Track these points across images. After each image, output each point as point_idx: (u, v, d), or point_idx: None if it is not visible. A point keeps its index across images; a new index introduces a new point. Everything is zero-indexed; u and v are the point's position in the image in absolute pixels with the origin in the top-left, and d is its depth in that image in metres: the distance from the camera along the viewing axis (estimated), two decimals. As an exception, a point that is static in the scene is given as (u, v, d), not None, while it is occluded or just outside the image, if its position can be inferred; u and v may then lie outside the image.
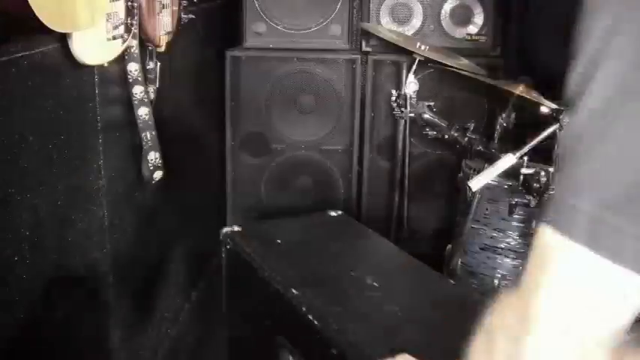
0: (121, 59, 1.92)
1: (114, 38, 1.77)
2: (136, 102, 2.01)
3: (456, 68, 2.47)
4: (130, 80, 1.98)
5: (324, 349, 1.44)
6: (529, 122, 2.16)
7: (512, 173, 1.61)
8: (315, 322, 1.48)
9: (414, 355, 1.17)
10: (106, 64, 1.78)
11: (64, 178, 1.68)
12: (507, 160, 1.57)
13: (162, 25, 2.11)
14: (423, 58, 2.51)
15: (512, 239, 2.26)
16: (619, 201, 0.56)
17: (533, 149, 1.66)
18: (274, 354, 1.64)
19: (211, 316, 2.56)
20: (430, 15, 2.89)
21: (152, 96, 2.16)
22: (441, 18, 2.88)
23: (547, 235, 0.60)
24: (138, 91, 2.00)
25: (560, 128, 1.56)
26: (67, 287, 1.72)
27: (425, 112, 2.44)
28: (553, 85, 2.92)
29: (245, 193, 3.09)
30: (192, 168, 2.78)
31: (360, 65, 2.94)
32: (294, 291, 1.56)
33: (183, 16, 2.24)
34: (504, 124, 2.36)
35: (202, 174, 3.00)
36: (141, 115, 2.02)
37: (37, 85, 1.57)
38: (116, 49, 1.80)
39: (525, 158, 1.60)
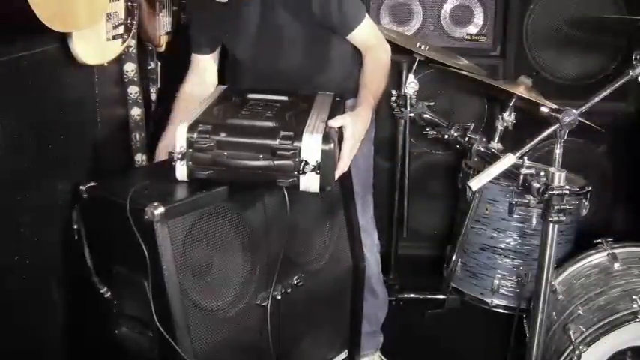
0: (121, 59, 1.92)
1: (114, 38, 1.76)
2: (130, 102, 2.01)
3: (456, 68, 2.46)
4: (126, 80, 1.98)
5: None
6: (529, 122, 2.16)
7: (512, 173, 1.60)
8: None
9: None
10: (105, 64, 1.78)
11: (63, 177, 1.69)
12: (507, 160, 1.56)
13: (163, 25, 2.11)
14: (423, 58, 2.50)
15: (512, 239, 2.26)
16: None
17: (534, 149, 1.65)
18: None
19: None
20: (430, 15, 2.88)
21: (154, 96, 2.15)
22: (441, 18, 2.87)
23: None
24: (133, 91, 2.00)
25: (561, 128, 1.55)
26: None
27: (425, 112, 2.43)
28: (552, 84, 2.90)
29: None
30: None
31: (360, 65, 2.91)
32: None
33: (182, 16, 2.23)
34: (504, 124, 2.36)
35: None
36: (133, 116, 2.02)
37: (37, 85, 1.57)
38: (116, 49, 1.80)
39: (525, 158, 1.59)
